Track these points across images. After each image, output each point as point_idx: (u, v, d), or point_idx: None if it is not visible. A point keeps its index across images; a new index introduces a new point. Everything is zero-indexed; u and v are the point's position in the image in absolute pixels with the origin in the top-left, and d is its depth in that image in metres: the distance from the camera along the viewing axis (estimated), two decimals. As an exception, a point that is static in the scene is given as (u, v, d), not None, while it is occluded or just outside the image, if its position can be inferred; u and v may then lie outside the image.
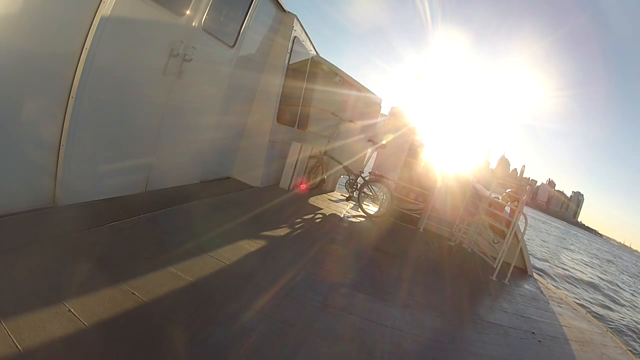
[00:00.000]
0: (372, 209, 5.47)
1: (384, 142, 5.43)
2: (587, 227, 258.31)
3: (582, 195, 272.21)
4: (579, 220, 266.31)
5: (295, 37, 4.70)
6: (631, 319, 10.91)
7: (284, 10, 4.46)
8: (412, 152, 5.51)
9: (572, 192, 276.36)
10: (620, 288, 17.37)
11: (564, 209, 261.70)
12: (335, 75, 5.79)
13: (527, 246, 4.89)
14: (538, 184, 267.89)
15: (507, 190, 4.78)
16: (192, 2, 2.78)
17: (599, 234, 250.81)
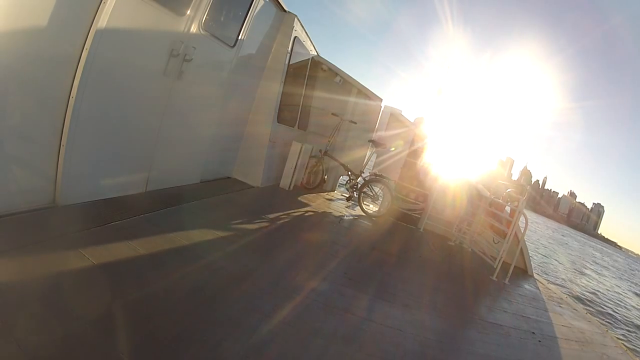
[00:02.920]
0: (372, 208, 5.47)
1: (392, 149, 5.42)
2: (607, 239, 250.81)
3: (603, 206, 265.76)
4: (599, 232, 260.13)
5: (296, 37, 4.70)
6: None
7: (284, 10, 4.46)
8: (412, 152, 5.50)
9: (593, 203, 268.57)
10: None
11: (584, 220, 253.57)
12: (335, 75, 5.79)
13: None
14: (560, 195, 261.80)
15: (507, 190, 4.77)
16: (193, 2, 2.79)
17: (619, 246, 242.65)
